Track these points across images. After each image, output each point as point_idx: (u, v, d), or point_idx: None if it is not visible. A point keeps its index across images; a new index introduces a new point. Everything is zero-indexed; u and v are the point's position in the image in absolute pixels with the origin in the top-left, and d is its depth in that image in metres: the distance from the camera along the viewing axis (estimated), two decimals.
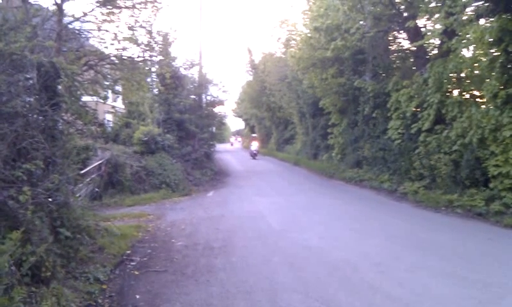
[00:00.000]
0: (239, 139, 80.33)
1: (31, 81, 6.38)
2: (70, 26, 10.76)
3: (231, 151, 54.17)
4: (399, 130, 17.44)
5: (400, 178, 16.93)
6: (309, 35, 22.67)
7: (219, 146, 45.27)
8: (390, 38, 21.11)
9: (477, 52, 13.18)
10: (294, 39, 33.20)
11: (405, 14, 17.37)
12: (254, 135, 46.40)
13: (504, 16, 10.99)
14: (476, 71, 13.71)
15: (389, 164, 18.19)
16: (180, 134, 23.71)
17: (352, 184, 19.79)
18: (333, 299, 5.80)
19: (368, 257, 7.85)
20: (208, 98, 29.07)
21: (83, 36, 11.45)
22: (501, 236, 9.61)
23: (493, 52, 11.92)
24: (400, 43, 21.71)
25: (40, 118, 6.43)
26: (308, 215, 12.31)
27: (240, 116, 72.05)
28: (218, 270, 7.29)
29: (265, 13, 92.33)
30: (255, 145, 41.92)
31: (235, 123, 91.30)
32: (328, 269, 7.18)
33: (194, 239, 9.73)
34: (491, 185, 12.01)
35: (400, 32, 20.02)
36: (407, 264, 7.36)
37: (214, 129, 31.09)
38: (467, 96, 14.42)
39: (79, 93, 8.00)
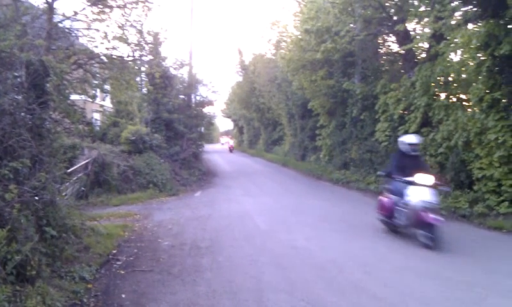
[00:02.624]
0: (227, 139, 77.76)
1: (19, 79, 6.35)
2: (60, 25, 10.72)
3: (219, 152, 53.92)
4: (386, 133, 17.60)
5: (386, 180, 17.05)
6: (299, 37, 22.80)
7: (208, 147, 45.17)
8: (379, 41, 21.32)
9: (465, 56, 13.37)
10: (284, 41, 33.28)
11: (395, 17, 17.55)
12: None
13: (491, 21, 11.14)
14: (463, 75, 13.91)
15: (376, 166, 18.33)
16: (168, 134, 23.63)
17: (339, 185, 19.91)
18: (318, 299, 5.84)
19: (354, 258, 7.91)
20: (198, 98, 29.07)
21: (73, 34, 11.41)
22: (484, 237, 9.75)
23: (480, 57, 12.09)
24: (389, 46, 21.94)
25: (28, 116, 6.40)
26: (296, 216, 12.36)
27: (229, 117, 71.90)
28: (205, 270, 7.30)
29: (256, 14, 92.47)
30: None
31: (224, 124, 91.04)
32: (315, 269, 7.23)
33: (181, 239, 9.72)
34: (475, 188, 12.18)
35: (390, 35, 20.22)
36: (392, 265, 7.44)
37: (202, 129, 31.05)
38: (454, 99, 14.61)
39: (67, 91, 7.97)
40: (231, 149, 57.19)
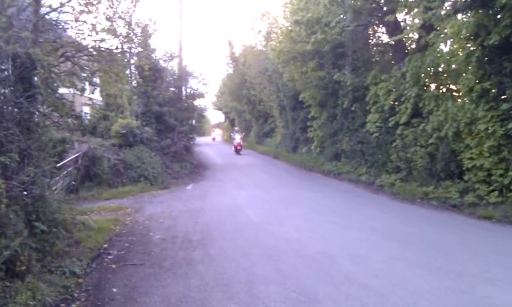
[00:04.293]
0: (219, 132, 71.49)
1: (6, 72, 6.26)
2: (46, 17, 10.57)
3: (210, 145, 53.76)
4: (377, 124, 17.66)
5: (377, 171, 17.18)
6: (289, 28, 22.73)
7: (199, 140, 45.03)
8: (369, 32, 21.35)
9: (454, 46, 13.44)
10: (274, 32, 33.26)
11: (385, 8, 17.56)
12: None
13: (480, 11, 11.18)
14: (453, 66, 14.00)
15: (367, 157, 18.42)
16: (159, 127, 23.51)
17: (331, 177, 19.96)
18: (310, 290, 5.86)
19: (345, 249, 7.94)
20: (188, 90, 28.93)
21: (60, 26, 11.25)
22: (474, 227, 9.84)
23: (470, 47, 12.15)
24: (379, 37, 22.01)
25: (15, 110, 6.32)
26: (288, 208, 12.38)
27: (220, 109, 71.52)
28: (196, 263, 7.30)
29: (246, 6, 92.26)
30: None
31: (215, 116, 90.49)
32: (306, 261, 7.25)
33: (172, 232, 9.70)
34: (465, 178, 12.28)
35: (380, 26, 20.24)
36: (383, 255, 7.48)
37: (193, 122, 30.93)
38: (444, 90, 14.72)
39: (55, 84, 7.88)
40: (238, 149, 36.37)
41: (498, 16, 10.81)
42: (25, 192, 6.01)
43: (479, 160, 11.60)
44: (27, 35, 7.38)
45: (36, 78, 6.84)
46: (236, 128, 41.44)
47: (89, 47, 11.51)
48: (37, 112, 7.10)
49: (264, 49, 35.96)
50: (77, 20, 10.98)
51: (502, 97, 11.16)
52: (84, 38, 11.28)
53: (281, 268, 6.87)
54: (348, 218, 10.94)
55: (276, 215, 11.40)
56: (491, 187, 11.32)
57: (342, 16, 19.26)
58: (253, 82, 38.33)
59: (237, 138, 37.27)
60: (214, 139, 67.37)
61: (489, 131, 11.13)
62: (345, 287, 5.97)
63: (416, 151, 14.49)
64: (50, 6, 10.53)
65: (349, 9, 18.39)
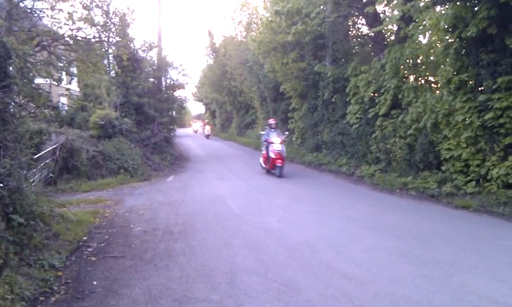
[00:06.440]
0: (200, 124, 64.01)
1: None
2: (21, 4, 10.33)
3: (192, 136, 53.20)
4: (357, 115, 17.79)
5: (357, 162, 17.34)
6: (270, 19, 22.66)
7: (180, 131, 44.67)
8: (349, 24, 21.45)
9: (433, 38, 13.59)
10: (255, 23, 33.17)
11: None
12: None
13: (458, 3, 11.30)
14: (431, 58, 14.15)
15: (347, 148, 18.57)
16: (138, 118, 23.20)
17: (311, 168, 20.07)
18: (291, 280, 5.89)
19: (326, 239, 8.00)
20: (168, 81, 28.63)
21: (35, 15, 11.01)
22: (452, 216, 10.01)
23: (448, 39, 12.29)
24: (359, 28, 22.13)
25: None
26: (269, 199, 12.41)
27: (200, 100, 71.05)
28: (178, 255, 7.26)
29: None
30: None
31: (195, 107, 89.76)
32: (287, 251, 7.27)
33: (153, 224, 9.62)
34: (443, 168, 12.48)
35: (360, 17, 20.34)
36: (364, 245, 7.56)
37: (174, 113, 30.67)
38: (422, 81, 14.89)
39: (31, 74, 7.73)
40: (277, 164, 17.00)
41: (476, 9, 10.94)
42: (1, 185, 5.88)
43: (456, 150, 11.79)
44: (0, 23, 7.20)
45: (11, 68, 6.68)
46: (271, 122, 18.83)
47: (65, 36, 11.33)
48: (13, 103, 6.95)
49: (244, 40, 35.87)
50: (53, 8, 10.79)
51: (479, 89, 11.33)
52: (61, 27, 11.10)
53: (262, 259, 6.88)
54: (328, 208, 11.02)
55: (258, 206, 11.41)
56: (469, 177, 11.52)
57: (322, 7, 19.28)
58: (234, 73, 38.17)
59: (276, 142, 17.25)
60: (195, 131, 61.76)
61: (466, 122, 11.30)
62: (326, 276, 6.01)
63: (395, 142, 14.66)
64: None
65: (329, 0, 18.41)
